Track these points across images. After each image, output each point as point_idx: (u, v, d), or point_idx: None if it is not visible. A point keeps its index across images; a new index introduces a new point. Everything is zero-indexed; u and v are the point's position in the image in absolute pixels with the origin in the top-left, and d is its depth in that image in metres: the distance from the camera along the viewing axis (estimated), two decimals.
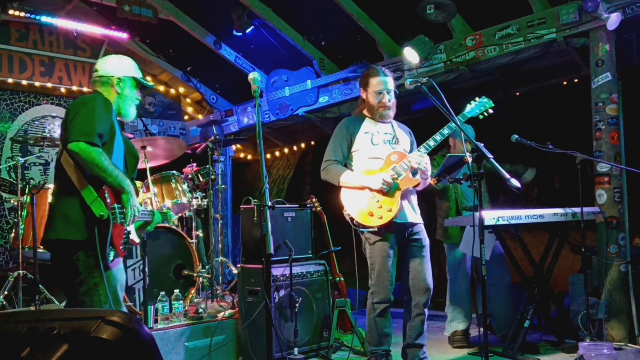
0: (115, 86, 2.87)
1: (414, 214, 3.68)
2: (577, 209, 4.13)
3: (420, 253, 3.67)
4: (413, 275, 3.65)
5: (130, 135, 5.26)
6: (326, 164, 3.69)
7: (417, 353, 3.67)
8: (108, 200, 2.61)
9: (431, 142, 3.59)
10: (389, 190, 3.51)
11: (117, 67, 2.91)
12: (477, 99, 3.74)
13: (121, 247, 2.70)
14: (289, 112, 6.63)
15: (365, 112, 3.79)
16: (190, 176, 5.20)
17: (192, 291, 4.79)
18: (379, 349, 3.64)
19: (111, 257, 2.63)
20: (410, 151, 3.74)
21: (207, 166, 5.21)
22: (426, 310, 3.68)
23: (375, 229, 3.54)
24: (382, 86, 3.66)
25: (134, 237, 2.84)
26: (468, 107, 3.71)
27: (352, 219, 3.58)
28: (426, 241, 3.72)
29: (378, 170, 3.60)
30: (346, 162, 3.73)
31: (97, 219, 2.56)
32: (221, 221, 5.75)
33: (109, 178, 2.61)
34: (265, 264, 2.67)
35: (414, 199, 3.74)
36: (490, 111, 3.71)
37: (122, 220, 2.68)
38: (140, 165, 4.31)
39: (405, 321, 3.72)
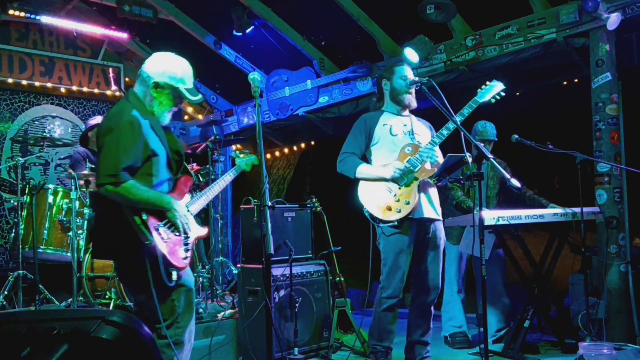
0: (151, 90, 2.72)
1: (431, 210, 3.64)
2: (577, 209, 4.13)
3: (434, 251, 3.65)
4: (423, 272, 3.64)
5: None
6: (343, 156, 3.69)
7: (420, 351, 3.66)
8: (150, 223, 2.58)
9: (436, 139, 3.58)
10: (404, 180, 3.51)
11: (162, 70, 2.73)
12: (487, 83, 3.72)
13: (183, 259, 2.68)
14: (289, 112, 6.63)
15: (384, 107, 3.81)
16: None
17: None
18: (379, 344, 3.64)
19: (174, 277, 2.61)
20: None
21: (207, 166, 5.21)
22: (432, 309, 3.68)
23: (395, 223, 3.52)
24: (408, 72, 3.73)
25: (196, 233, 2.83)
26: (479, 92, 3.67)
27: (372, 216, 3.57)
28: (442, 240, 3.70)
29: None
30: (365, 155, 3.73)
31: (145, 245, 2.54)
32: (221, 221, 5.76)
33: (144, 206, 2.58)
34: (265, 264, 2.67)
35: (433, 193, 3.71)
36: (502, 94, 3.67)
37: (173, 234, 2.67)
38: None
39: (411, 318, 3.71)
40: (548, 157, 4.49)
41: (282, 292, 4.21)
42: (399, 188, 3.53)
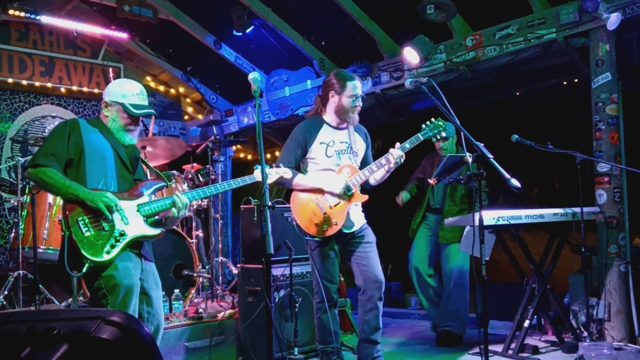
0: (104, 109, 3.00)
1: (359, 219, 3.70)
2: (577, 209, 4.13)
3: (366, 248, 3.67)
4: (362, 270, 3.65)
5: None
6: None
7: (370, 351, 3.61)
8: (72, 216, 2.72)
9: (407, 144, 3.56)
10: (337, 203, 3.54)
11: (111, 90, 3.00)
12: (432, 120, 3.64)
13: (105, 253, 2.71)
14: (289, 112, 6.63)
15: (324, 115, 3.73)
16: (190, 176, 5.20)
17: (192, 291, 4.79)
18: (327, 346, 3.69)
19: (84, 269, 2.69)
20: (365, 154, 3.77)
21: (207, 166, 5.21)
22: (380, 305, 3.64)
23: (319, 239, 3.58)
24: (358, 90, 3.63)
25: (137, 232, 2.83)
26: (423, 128, 3.63)
27: (299, 226, 3.62)
28: (371, 237, 3.72)
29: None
30: (301, 166, 3.71)
31: (65, 237, 2.73)
32: (221, 221, 5.75)
33: (63, 195, 2.75)
34: (265, 264, 2.66)
35: (359, 206, 3.74)
36: (443, 134, 3.63)
37: (99, 228, 2.73)
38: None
39: (360, 316, 3.69)
40: (548, 157, 4.49)
41: (282, 292, 4.21)
42: (330, 207, 3.55)
